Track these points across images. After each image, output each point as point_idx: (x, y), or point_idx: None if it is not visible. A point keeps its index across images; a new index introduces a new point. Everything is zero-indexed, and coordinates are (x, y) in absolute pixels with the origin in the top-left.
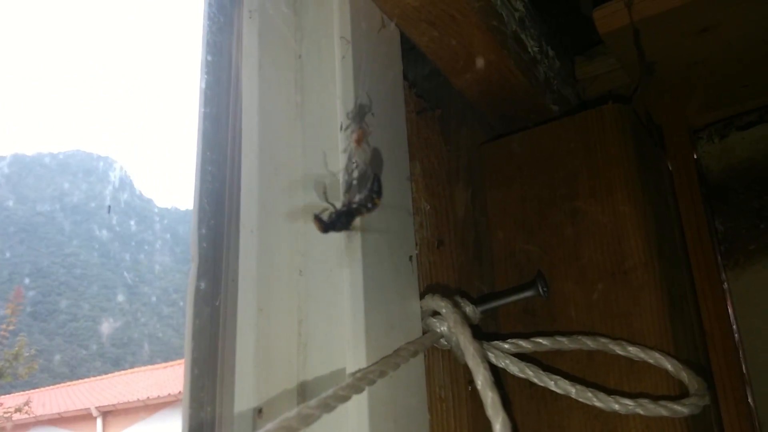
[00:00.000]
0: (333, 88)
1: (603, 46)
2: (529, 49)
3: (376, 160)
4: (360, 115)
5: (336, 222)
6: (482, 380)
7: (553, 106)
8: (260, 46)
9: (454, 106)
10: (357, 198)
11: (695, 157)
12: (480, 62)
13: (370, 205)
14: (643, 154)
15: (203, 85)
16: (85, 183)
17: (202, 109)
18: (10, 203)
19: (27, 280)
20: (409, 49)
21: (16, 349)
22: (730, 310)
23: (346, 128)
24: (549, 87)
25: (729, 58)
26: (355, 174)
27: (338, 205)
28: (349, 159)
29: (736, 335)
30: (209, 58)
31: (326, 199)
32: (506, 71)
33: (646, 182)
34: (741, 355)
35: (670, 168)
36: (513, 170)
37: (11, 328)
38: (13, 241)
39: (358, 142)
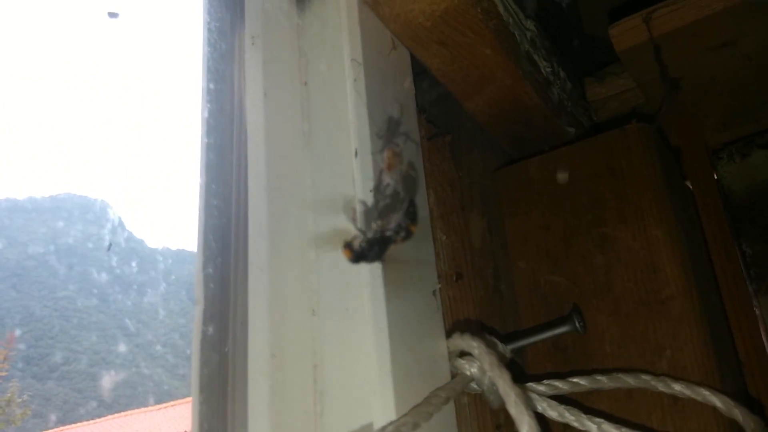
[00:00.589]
0: (344, 114)
1: (614, 66)
2: (542, 70)
3: (408, 182)
4: (390, 132)
5: (368, 251)
6: (527, 430)
7: (568, 128)
8: (264, 73)
9: (465, 131)
10: (390, 225)
11: (716, 177)
12: (492, 84)
13: (404, 234)
14: (670, 176)
15: (206, 114)
16: (76, 225)
17: (205, 140)
18: (1, 247)
19: (19, 325)
20: (416, 74)
21: (9, 395)
22: (763, 338)
23: (381, 150)
24: (563, 109)
25: (748, 74)
26: (388, 197)
27: (369, 233)
28: (380, 181)
29: None
30: (211, 86)
31: (356, 225)
32: (521, 92)
33: (677, 205)
34: None
35: (693, 190)
36: (533, 196)
37: (3, 374)
38: (4, 285)
39: (390, 165)
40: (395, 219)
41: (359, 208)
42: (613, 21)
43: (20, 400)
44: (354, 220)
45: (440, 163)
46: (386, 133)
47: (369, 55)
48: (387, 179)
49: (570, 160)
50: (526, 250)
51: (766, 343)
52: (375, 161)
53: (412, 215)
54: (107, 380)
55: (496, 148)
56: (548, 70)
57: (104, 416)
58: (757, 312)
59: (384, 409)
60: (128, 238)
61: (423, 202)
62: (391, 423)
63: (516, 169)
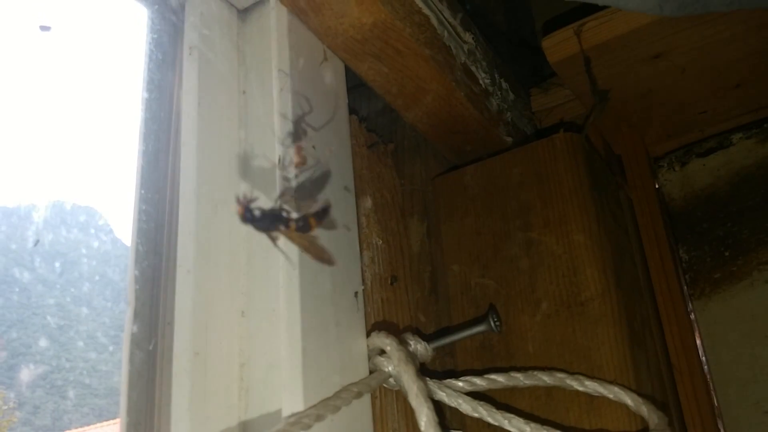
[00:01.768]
0: (272, 122)
1: (558, 77)
2: (480, 81)
3: (323, 179)
4: (297, 135)
5: (260, 219)
6: (425, 421)
7: (506, 137)
8: (199, 83)
9: (408, 140)
10: (294, 209)
11: (657, 186)
12: (427, 95)
13: (302, 224)
14: (598, 183)
15: (140, 123)
16: (64, 231)
17: (140, 147)
18: None
19: (7, 333)
20: (361, 84)
21: None
22: (698, 341)
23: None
24: (502, 119)
25: (684, 85)
26: (299, 182)
27: (268, 204)
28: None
29: (705, 367)
30: (146, 95)
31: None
32: (456, 104)
33: (602, 211)
34: (712, 388)
35: (631, 198)
36: (466, 203)
37: None
38: None
39: (300, 159)
40: (303, 209)
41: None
42: (547, 33)
43: (6, 407)
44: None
45: (381, 171)
46: (297, 131)
47: (296, 65)
48: (296, 174)
49: (502, 168)
50: (459, 254)
51: (699, 346)
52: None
53: (321, 215)
54: (98, 387)
55: (440, 156)
56: (487, 81)
57: (93, 423)
58: (692, 316)
59: (293, 402)
60: (116, 243)
61: (342, 213)
62: (294, 414)
63: (452, 177)
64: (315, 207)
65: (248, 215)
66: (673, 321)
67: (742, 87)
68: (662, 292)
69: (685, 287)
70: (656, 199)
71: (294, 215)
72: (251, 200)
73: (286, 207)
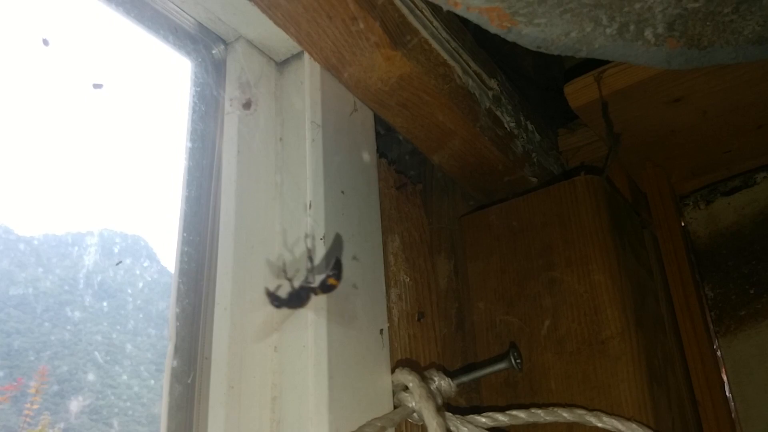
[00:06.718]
0: (305, 169)
1: None
2: (506, 125)
3: (337, 243)
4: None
5: (289, 299)
6: None
7: (532, 178)
8: (239, 132)
9: (437, 180)
10: (317, 277)
11: (683, 224)
12: (453, 140)
13: (327, 285)
14: (619, 223)
15: (184, 170)
16: (112, 260)
17: (183, 192)
18: (38, 278)
19: (54, 359)
20: (390, 128)
21: (40, 428)
22: (724, 378)
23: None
24: (528, 160)
25: (706, 126)
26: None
27: (297, 282)
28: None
29: (731, 403)
30: (189, 144)
31: (285, 276)
32: (480, 147)
33: (622, 251)
34: (737, 424)
35: (657, 236)
36: (492, 242)
37: (35, 407)
38: (41, 319)
39: None
40: (323, 273)
41: (289, 260)
42: (568, 80)
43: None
44: (283, 270)
45: (409, 211)
46: None
47: (328, 117)
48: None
49: (526, 209)
50: (484, 291)
51: (726, 383)
52: (327, 213)
53: (336, 272)
54: (139, 414)
55: (468, 195)
56: (512, 124)
57: None
58: (718, 353)
59: None
60: (161, 271)
61: (369, 254)
62: None
63: (477, 217)
64: (332, 262)
65: (278, 302)
66: (698, 358)
67: (765, 127)
68: (686, 329)
69: (711, 324)
70: (681, 237)
71: (316, 282)
72: (276, 288)
73: (310, 280)
